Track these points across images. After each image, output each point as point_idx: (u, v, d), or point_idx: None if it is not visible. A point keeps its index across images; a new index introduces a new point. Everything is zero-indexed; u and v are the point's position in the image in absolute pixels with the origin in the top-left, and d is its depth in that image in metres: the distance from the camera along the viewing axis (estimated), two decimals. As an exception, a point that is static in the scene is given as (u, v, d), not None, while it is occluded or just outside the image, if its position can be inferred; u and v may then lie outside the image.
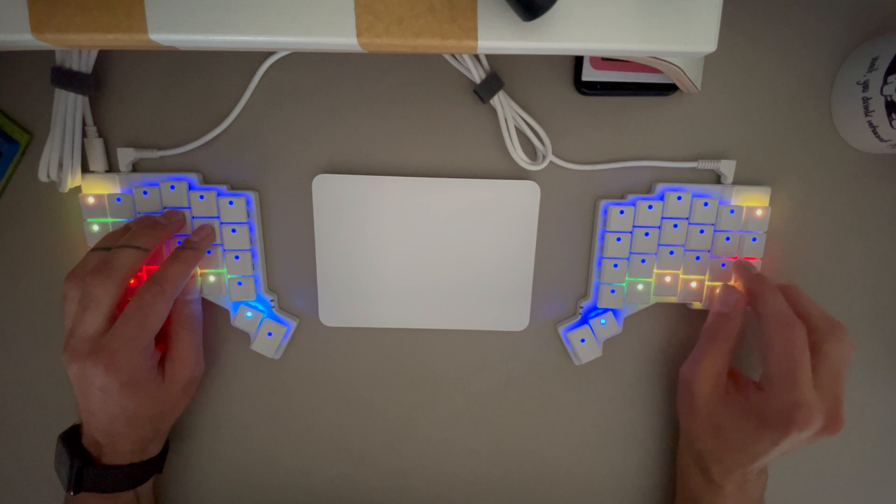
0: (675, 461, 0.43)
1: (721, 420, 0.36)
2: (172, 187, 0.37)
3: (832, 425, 0.32)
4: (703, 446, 0.37)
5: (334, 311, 0.40)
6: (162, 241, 0.36)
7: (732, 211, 0.38)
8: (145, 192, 0.37)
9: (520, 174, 0.39)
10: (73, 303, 0.33)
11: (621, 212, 0.38)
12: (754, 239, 0.39)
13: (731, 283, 0.39)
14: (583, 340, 0.40)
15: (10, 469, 0.43)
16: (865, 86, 0.36)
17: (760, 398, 0.34)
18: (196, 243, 0.37)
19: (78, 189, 0.38)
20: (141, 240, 0.34)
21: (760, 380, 0.35)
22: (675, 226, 0.38)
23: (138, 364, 0.33)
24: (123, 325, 0.33)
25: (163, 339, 0.37)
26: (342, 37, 0.25)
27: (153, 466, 0.38)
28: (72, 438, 0.36)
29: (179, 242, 0.37)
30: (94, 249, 0.35)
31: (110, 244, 0.35)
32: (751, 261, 0.39)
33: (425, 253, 0.39)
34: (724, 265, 0.39)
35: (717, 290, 0.39)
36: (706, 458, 0.37)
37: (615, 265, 0.39)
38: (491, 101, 0.37)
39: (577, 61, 0.37)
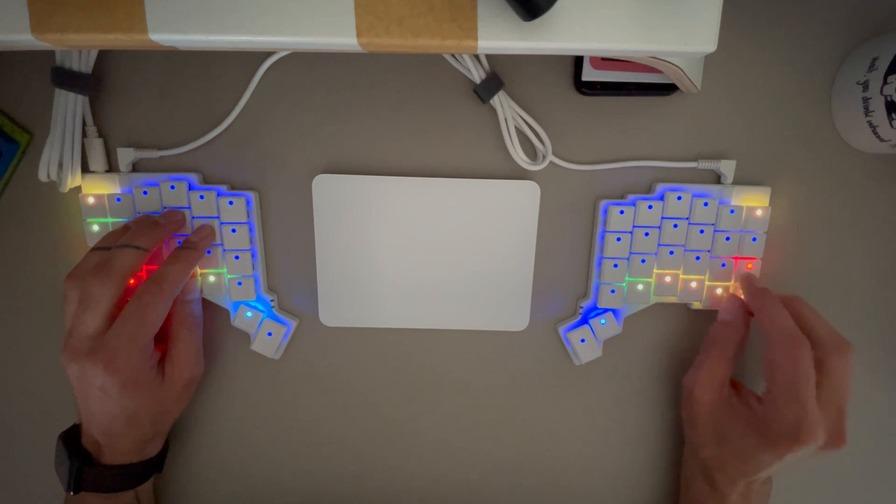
0: (675, 462, 0.43)
1: (724, 429, 0.36)
2: (172, 187, 0.37)
3: (836, 441, 0.32)
4: (708, 454, 0.37)
5: (334, 311, 0.40)
6: (162, 241, 0.36)
7: (732, 211, 0.38)
8: (145, 192, 0.37)
9: (520, 174, 0.39)
10: (73, 302, 0.33)
11: (621, 212, 0.38)
12: (754, 239, 0.39)
13: (734, 291, 0.39)
14: (583, 340, 0.40)
15: (10, 469, 0.43)
16: (865, 86, 0.36)
17: (764, 412, 0.34)
18: (195, 243, 0.37)
19: (78, 189, 0.38)
20: (141, 240, 0.34)
21: (764, 394, 0.35)
22: (675, 226, 0.38)
23: (137, 364, 0.33)
24: (122, 325, 0.33)
25: (163, 339, 0.37)
26: (342, 37, 0.25)
27: (153, 466, 0.38)
28: (72, 438, 0.36)
29: (179, 242, 0.37)
30: (94, 249, 0.35)
31: (110, 244, 0.35)
32: (750, 266, 0.39)
33: (425, 253, 0.39)
34: (724, 265, 0.39)
35: (721, 298, 0.39)
36: (711, 467, 0.37)
37: (615, 265, 0.39)
38: (491, 101, 0.37)
39: (577, 61, 0.37)
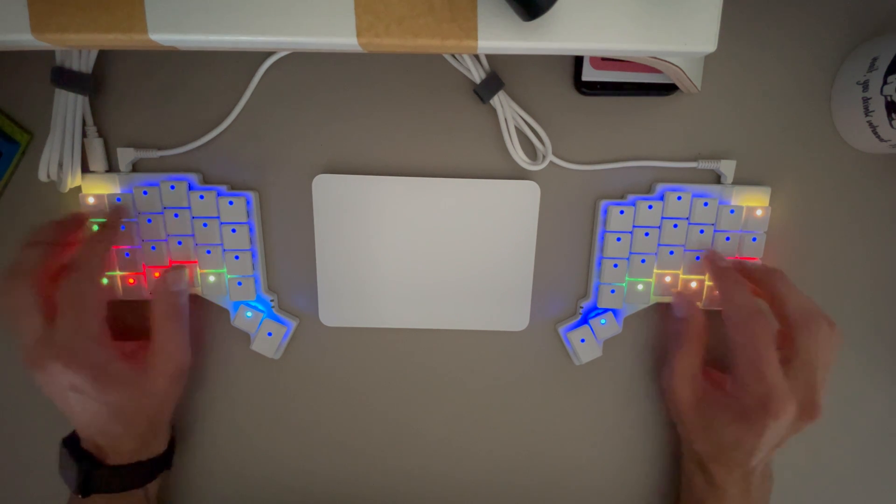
0: (675, 461, 0.43)
1: (708, 420, 0.36)
2: (172, 187, 0.37)
3: (808, 412, 0.33)
4: (700, 448, 0.37)
5: (334, 311, 0.40)
6: (65, 233, 0.35)
7: (732, 211, 0.38)
8: (145, 193, 0.37)
9: (520, 174, 0.39)
10: (5, 316, 0.33)
11: (621, 212, 0.38)
12: (754, 239, 0.39)
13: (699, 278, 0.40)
14: (583, 340, 0.40)
15: (10, 470, 0.43)
16: (865, 86, 0.36)
17: (735, 393, 0.35)
18: (108, 222, 0.36)
19: (78, 189, 0.38)
20: (40, 234, 0.34)
21: (731, 375, 0.35)
22: (675, 226, 0.38)
23: (97, 353, 0.33)
24: (63, 320, 0.32)
25: (146, 333, 0.37)
26: (342, 37, 0.25)
27: (160, 463, 0.38)
28: (74, 442, 0.36)
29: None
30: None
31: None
32: (746, 258, 0.39)
33: (425, 253, 0.39)
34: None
35: (673, 294, 0.40)
36: (706, 460, 0.37)
37: (615, 265, 0.39)
38: (491, 101, 0.37)
39: (577, 61, 0.37)
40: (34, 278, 0.33)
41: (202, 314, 0.40)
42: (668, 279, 0.39)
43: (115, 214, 0.37)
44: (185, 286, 0.38)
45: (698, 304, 0.39)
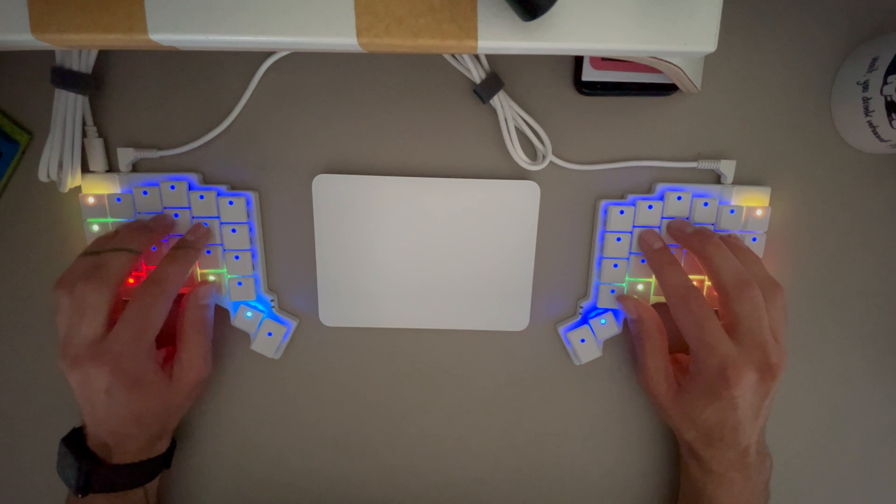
0: (675, 461, 0.44)
1: (686, 407, 0.36)
2: (172, 187, 0.37)
3: (769, 371, 0.33)
4: (690, 437, 0.37)
5: (334, 311, 0.40)
6: (153, 243, 0.36)
7: (732, 211, 0.38)
8: (145, 192, 0.37)
9: (520, 174, 0.39)
10: (66, 309, 0.33)
11: (621, 212, 0.38)
12: (754, 239, 0.39)
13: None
14: (583, 340, 0.40)
15: (8, 471, 0.43)
16: (865, 86, 0.36)
17: (696, 372, 0.35)
18: (193, 242, 0.37)
19: (78, 189, 0.38)
20: (132, 242, 0.34)
21: (690, 356, 0.36)
22: (675, 226, 0.38)
23: (143, 364, 0.34)
24: (125, 327, 0.33)
25: (170, 339, 0.37)
26: (342, 37, 0.25)
27: (162, 463, 0.38)
28: (76, 441, 0.36)
29: (166, 239, 0.37)
30: (84, 254, 0.35)
31: (100, 248, 0.34)
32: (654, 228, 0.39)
33: (425, 253, 0.39)
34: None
35: (618, 301, 0.40)
36: (698, 448, 0.37)
37: (615, 265, 0.39)
38: (491, 101, 0.37)
39: (577, 61, 0.37)
40: (118, 285, 0.33)
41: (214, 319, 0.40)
42: (668, 279, 0.39)
43: (202, 238, 0.37)
44: (213, 299, 0.39)
45: (642, 300, 0.39)
